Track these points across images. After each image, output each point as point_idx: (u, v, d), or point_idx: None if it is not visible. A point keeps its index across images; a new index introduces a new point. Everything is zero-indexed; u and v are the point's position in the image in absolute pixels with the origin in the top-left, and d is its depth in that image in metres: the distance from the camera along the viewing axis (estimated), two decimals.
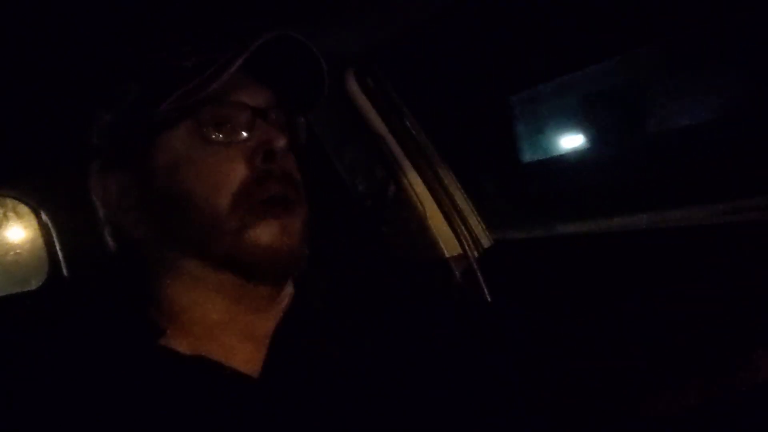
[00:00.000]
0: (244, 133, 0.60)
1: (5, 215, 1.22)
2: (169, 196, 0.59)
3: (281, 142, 0.60)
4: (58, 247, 1.06)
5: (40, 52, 0.84)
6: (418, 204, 1.23)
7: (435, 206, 1.22)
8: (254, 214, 0.58)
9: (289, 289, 0.66)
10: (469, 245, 1.20)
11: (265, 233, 0.58)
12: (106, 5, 0.76)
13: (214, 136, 0.59)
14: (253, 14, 0.86)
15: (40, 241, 1.09)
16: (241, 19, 0.86)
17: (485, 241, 1.22)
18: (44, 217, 1.08)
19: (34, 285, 1.10)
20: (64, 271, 1.05)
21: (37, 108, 0.97)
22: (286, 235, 0.59)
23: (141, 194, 0.61)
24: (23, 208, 1.12)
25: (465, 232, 1.21)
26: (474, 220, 1.23)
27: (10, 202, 1.15)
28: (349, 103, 1.22)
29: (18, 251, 1.24)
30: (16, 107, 0.96)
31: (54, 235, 1.06)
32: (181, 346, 0.60)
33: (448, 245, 1.21)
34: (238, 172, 0.58)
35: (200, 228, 0.58)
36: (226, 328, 0.61)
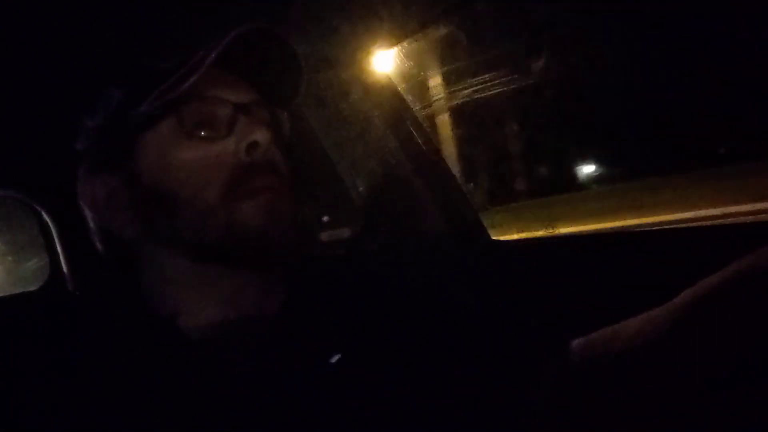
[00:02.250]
0: (227, 129, 0.60)
1: (6, 216, 1.22)
2: (157, 195, 0.59)
3: (264, 135, 0.60)
4: (58, 249, 1.06)
5: (36, 55, 0.84)
6: (419, 204, 1.23)
7: (435, 206, 1.22)
8: (242, 203, 0.58)
9: (283, 286, 0.67)
10: (469, 245, 1.20)
11: (253, 219, 0.58)
12: (91, 12, 0.77)
13: (196, 133, 0.59)
14: (247, 15, 0.87)
15: (40, 242, 1.09)
16: (233, 20, 0.86)
17: (486, 241, 1.22)
18: (45, 218, 1.08)
19: (34, 286, 1.10)
20: (65, 272, 1.06)
21: (37, 109, 0.97)
22: (274, 219, 0.59)
23: (129, 195, 0.61)
24: (24, 209, 1.12)
25: (465, 232, 1.21)
26: (474, 220, 1.23)
27: (10, 203, 1.15)
28: (349, 103, 1.21)
29: (19, 252, 1.24)
30: (16, 108, 0.96)
31: (55, 236, 1.06)
32: (178, 344, 0.60)
33: (449, 245, 1.21)
34: (223, 167, 0.59)
35: (189, 224, 0.59)
36: (222, 325, 0.61)
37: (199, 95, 0.59)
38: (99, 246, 0.65)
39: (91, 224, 0.65)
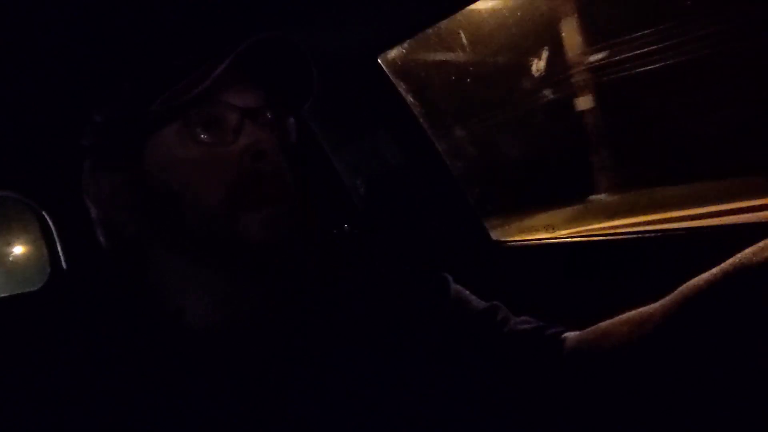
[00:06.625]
0: (233, 134, 0.60)
1: (6, 215, 1.22)
2: (160, 196, 0.59)
3: (270, 143, 0.60)
4: (59, 248, 1.06)
5: (38, 53, 0.84)
6: (420, 205, 1.23)
7: (436, 207, 1.22)
8: (244, 215, 0.58)
9: (284, 287, 0.67)
10: (470, 247, 1.20)
11: (255, 233, 0.58)
12: (100, 6, 0.77)
13: (203, 137, 0.59)
14: (252, 13, 0.87)
15: (41, 241, 1.09)
16: (241, 16, 0.86)
17: (487, 243, 1.22)
18: (45, 217, 1.08)
19: (35, 285, 1.10)
20: (66, 272, 1.06)
21: (37, 108, 0.97)
22: (275, 230, 0.59)
23: (132, 193, 0.61)
24: (24, 209, 1.12)
25: (467, 234, 1.21)
26: (476, 222, 1.23)
27: (10, 202, 1.15)
28: (349, 103, 1.22)
29: (19, 252, 1.24)
30: (17, 107, 0.96)
31: (55, 236, 1.06)
32: (177, 346, 0.60)
33: (450, 246, 1.21)
34: (227, 172, 0.59)
35: (191, 227, 0.59)
36: (222, 326, 0.61)
37: (208, 98, 0.59)
38: (102, 242, 0.65)
39: (95, 219, 0.65)
